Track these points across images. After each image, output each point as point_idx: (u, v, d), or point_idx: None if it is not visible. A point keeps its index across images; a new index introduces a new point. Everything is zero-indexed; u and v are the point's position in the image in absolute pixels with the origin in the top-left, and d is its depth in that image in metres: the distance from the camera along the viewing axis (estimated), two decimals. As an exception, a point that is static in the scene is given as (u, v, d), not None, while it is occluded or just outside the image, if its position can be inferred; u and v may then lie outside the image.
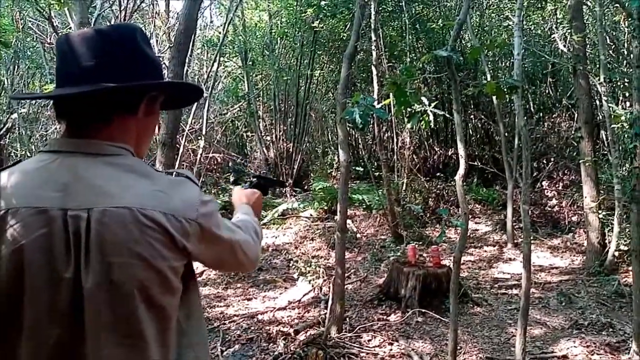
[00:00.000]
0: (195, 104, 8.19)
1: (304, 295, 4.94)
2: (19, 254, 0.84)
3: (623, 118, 4.36)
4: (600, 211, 5.66)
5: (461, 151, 2.97)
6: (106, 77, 0.92)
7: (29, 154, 8.51)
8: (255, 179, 1.62)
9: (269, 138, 11.11)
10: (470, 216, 7.82)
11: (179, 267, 0.92)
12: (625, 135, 5.26)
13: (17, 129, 9.30)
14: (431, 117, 3.25)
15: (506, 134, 6.88)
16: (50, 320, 0.84)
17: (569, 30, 6.41)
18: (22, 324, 0.85)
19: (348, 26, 9.12)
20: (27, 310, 0.84)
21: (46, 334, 0.84)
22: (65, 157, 0.91)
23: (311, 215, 8.05)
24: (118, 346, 0.86)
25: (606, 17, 7.80)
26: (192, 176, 0.99)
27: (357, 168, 9.85)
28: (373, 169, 8.04)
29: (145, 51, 0.99)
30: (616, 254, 5.43)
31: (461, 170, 2.95)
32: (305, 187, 10.13)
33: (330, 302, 3.99)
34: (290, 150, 10.54)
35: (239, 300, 4.95)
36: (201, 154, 8.40)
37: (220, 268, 1.22)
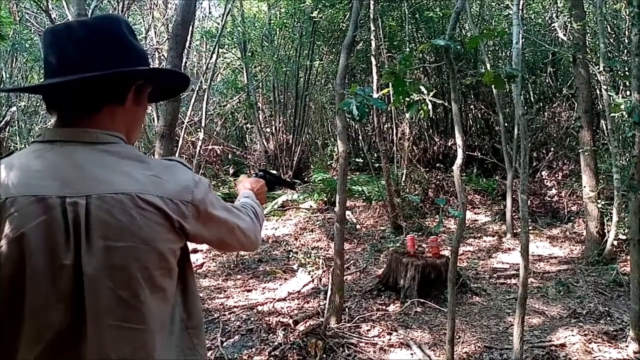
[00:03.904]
0: (195, 95, 8.19)
1: (303, 286, 4.97)
2: (20, 242, 0.85)
3: (622, 107, 4.33)
4: (599, 201, 5.65)
5: (459, 141, 2.96)
6: (92, 67, 0.94)
7: (28, 147, 8.48)
8: (261, 172, 1.65)
9: (268, 130, 11.09)
10: (469, 206, 7.90)
11: (177, 250, 0.97)
12: (625, 124, 5.25)
13: (16, 122, 9.29)
14: (430, 107, 3.24)
15: (506, 124, 6.87)
16: (51, 307, 0.86)
17: (569, 19, 6.36)
18: (24, 310, 0.86)
19: (347, 16, 9.06)
20: (29, 297, 0.86)
21: (47, 320, 0.86)
22: (61, 146, 0.92)
23: (311, 206, 8.07)
24: (119, 330, 0.88)
25: (606, 5, 7.74)
26: (183, 161, 1.04)
27: (357, 159, 9.86)
28: (372, 160, 8.04)
29: (130, 41, 1.00)
30: (615, 243, 5.43)
31: (459, 160, 2.94)
32: (305, 179, 10.14)
33: (329, 293, 4.01)
34: (290, 141, 10.53)
35: (238, 292, 4.98)
36: (200, 146, 8.40)
37: (222, 248, 1.26)
